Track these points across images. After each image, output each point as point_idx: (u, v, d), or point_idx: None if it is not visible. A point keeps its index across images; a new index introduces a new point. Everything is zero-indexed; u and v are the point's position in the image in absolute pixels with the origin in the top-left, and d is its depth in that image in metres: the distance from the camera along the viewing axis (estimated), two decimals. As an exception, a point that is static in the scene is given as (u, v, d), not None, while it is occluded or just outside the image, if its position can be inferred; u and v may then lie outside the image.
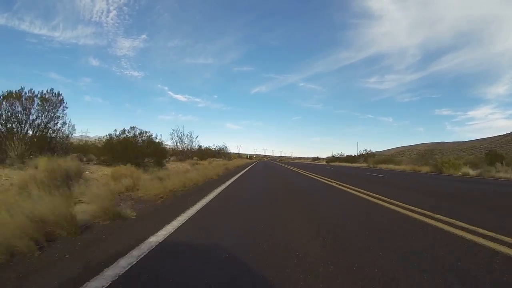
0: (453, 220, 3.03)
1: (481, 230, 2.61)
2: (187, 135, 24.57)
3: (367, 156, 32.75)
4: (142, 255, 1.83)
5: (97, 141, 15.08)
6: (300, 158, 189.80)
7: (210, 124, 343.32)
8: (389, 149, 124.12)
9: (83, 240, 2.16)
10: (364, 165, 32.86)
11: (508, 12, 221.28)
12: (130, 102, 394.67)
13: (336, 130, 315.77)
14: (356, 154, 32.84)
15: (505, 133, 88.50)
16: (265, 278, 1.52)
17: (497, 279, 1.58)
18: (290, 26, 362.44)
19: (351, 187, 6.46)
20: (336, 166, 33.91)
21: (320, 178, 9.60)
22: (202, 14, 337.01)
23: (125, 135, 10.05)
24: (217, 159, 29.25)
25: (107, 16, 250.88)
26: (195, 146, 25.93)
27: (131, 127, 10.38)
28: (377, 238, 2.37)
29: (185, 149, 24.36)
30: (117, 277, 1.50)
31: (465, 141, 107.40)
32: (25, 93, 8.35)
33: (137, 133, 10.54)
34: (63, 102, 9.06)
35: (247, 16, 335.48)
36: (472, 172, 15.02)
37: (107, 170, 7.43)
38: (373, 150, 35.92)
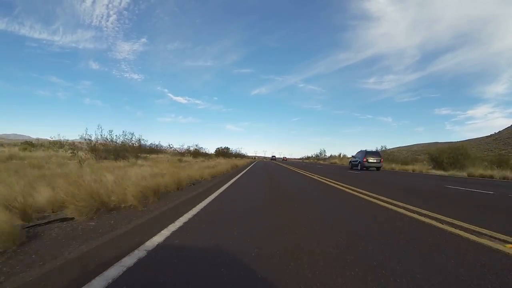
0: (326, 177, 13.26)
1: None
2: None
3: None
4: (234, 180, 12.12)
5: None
6: (300, 159, 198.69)
7: (210, 126, 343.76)
8: (385, 149, 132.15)
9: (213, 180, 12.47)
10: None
11: (505, 12, 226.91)
12: (130, 104, 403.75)
13: (335, 131, 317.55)
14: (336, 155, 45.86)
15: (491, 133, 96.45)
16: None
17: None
18: (289, 28, 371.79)
19: (296, 168, 16.62)
20: (304, 162, 51.68)
21: (285, 165, 19.81)
22: (202, 17, 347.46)
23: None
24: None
25: (107, 20, 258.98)
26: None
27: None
28: (300, 180, 12.63)
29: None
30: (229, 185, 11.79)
31: (457, 141, 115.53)
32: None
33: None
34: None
35: (247, 19, 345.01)
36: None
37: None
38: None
